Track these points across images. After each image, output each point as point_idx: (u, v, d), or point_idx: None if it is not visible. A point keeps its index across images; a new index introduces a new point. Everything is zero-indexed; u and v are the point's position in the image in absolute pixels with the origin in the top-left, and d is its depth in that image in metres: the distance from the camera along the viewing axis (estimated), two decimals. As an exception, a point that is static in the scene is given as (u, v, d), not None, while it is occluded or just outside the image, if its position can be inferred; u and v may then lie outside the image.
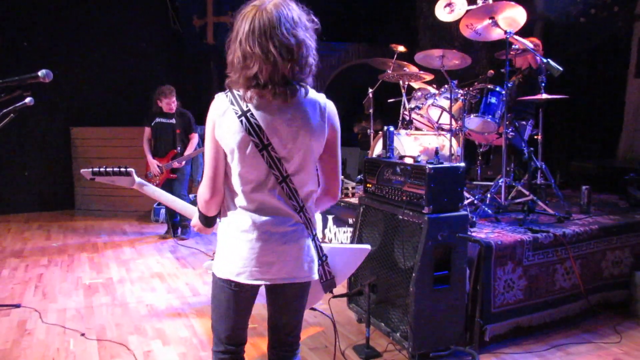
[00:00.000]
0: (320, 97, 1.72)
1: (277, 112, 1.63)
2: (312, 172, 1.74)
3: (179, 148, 5.60)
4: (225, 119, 1.64)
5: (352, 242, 3.46)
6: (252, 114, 1.62)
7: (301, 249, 1.73)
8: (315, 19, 1.70)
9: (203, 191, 1.73)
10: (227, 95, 1.67)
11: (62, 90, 7.20)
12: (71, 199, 7.45)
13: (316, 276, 1.77)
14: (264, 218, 1.69)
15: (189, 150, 5.64)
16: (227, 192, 1.74)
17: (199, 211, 1.81)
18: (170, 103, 5.55)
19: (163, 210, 6.51)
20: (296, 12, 1.63)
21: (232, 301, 1.77)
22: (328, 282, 1.84)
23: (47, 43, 7.28)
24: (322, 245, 1.84)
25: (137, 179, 2.15)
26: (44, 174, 7.54)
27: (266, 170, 1.65)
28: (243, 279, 1.70)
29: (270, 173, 1.66)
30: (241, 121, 1.62)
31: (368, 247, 2.09)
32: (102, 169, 2.15)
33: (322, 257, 1.81)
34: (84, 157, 7.17)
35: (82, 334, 3.30)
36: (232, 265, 1.71)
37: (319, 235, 4.76)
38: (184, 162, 5.60)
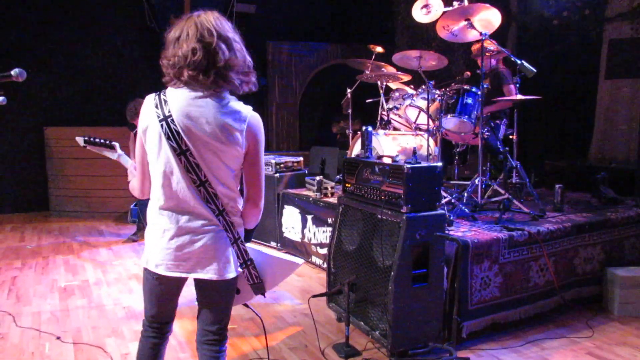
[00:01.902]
0: (244, 109, 1.81)
1: (195, 120, 1.74)
2: (230, 180, 1.83)
3: None
4: (149, 122, 1.78)
5: (331, 241, 3.48)
6: (172, 119, 1.73)
7: (216, 249, 1.83)
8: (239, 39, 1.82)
9: (133, 186, 1.99)
10: (154, 98, 1.79)
11: (36, 89, 7.07)
12: (45, 200, 7.30)
13: (231, 276, 1.86)
14: (182, 217, 1.81)
15: None
16: (152, 189, 1.88)
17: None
18: (136, 123, 5.45)
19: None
20: (224, 26, 1.77)
21: (155, 290, 1.94)
22: (256, 285, 1.95)
23: (20, 41, 7.12)
24: (253, 248, 1.97)
25: (119, 151, 2.27)
26: (17, 175, 7.38)
27: (184, 174, 1.77)
28: (161, 271, 1.85)
29: (188, 177, 1.77)
30: (162, 126, 1.74)
31: (299, 261, 2.11)
32: (92, 139, 2.30)
33: (247, 261, 1.90)
34: (58, 158, 7.04)
35: (58, 338, 3.25)
36: (153, 257, 1.86)
37: (296, 235, 4.74)
38: None
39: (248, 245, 1.95)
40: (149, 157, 1.83)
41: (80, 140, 2.34)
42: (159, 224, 1.85)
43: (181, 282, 1.95)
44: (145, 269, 1.93)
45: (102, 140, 2.29)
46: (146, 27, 7.82)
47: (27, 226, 6.55)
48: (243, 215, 1.93)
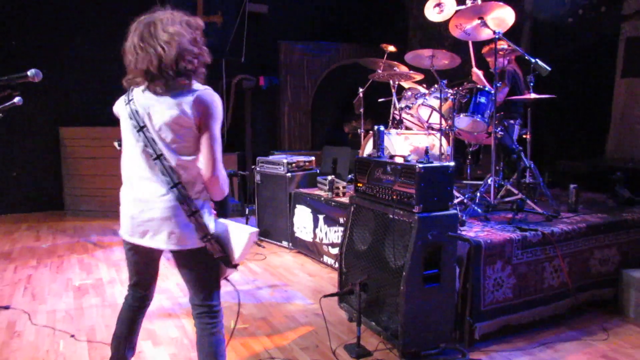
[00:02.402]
0: (197, 87, 1.99)
1: (151, 100, 1.96)
2: (185, 153, 1.96)
3: None
4: (120, 107, 2.09)
5: (342, 241, 3.47)
6: (133, 101, 2.00)
7: (168, 219, 1.97)
8: (196, 26, 2.13)
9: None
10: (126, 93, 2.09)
11: (51, 90, 7.15)
12: (60, 199, 7.39)
13: (187, 247, 2.00)
14: (139, 189, 2.01)
15: None
16: (122, 162, 2.10)
17: None
18: None
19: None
20: (172, 18, 2.04)
21: (129, 257, 2.18)
22: (222, 259, 2.07)
23: (36, 42, 7.22)
24: (217, 221, 2.10)
25: None
26: (33, 174, 7.48)
27: (142, 148, 1.97)
28: (126, 237, 2.08)
29: (146, 150, 1.96)
30: (127, 107, 2.02)
31: (252, 230, 2.11)
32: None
33: (207, 235, 2.01)
34: (73, 157, 7.12)
35: (72, 336, 3.29)
36: (123, 226, 2.09)
37: (308, 235, 4.72)
38: None
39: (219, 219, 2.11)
40: (121, 133, 2.08)
41: (116, 144, 2.56)
42: (124, 194, 2.08)
43: (150, 250, 2.10)
44: (122, 239, 2.14)
45: None
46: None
47: (42, 225, 6.63)
48: (206, 187, 2.03)
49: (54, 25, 7.32)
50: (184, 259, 2.08)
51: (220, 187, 2.03)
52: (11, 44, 7.14)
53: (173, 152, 1.96)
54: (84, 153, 7.06)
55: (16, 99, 3.06)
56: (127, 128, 2.03)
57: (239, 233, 2.09)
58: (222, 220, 2.14)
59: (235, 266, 2.12)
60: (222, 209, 2.19)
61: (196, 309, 2.14)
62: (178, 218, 1.98)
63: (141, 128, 1.96)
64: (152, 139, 1.95)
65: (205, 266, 2.09)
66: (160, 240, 2.00)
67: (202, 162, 1.98)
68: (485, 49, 4.66)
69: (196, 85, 2.01)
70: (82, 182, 7.14)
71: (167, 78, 1.93)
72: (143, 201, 2.00)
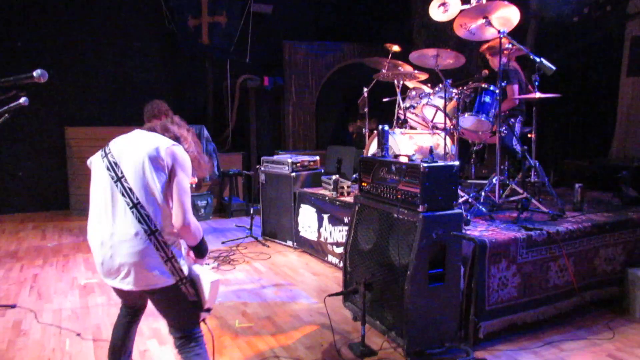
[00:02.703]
0: (165, 142, 2.10)
1: (125, 154, 2.08)
2: (159, 204, 2.03)
3: None
4: (95, 160, 2.20)
5: (347, 240, 3.48)
6: (111, 154, 2.11)
7: (144, 264, 2.02)
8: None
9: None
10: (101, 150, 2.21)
11: (57, 90, 7.19)
12: (66, 198, 7.43)
13: (160, 285, 2.05)
14: (117, 236, 2.03)
15: None
16: (90, 210, 2.17)
17: None
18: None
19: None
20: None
21: (114, 290, 2.23)
22: (195, 303, 2.15)
23: (41, 43, 7.26)
24: (192, 267, 2.17)
25: None
26: (38, 174, 7.53)
27: (119, 197, 2.04)
28: (105, 280, 2.14)
29: (123, 200, 2.03)
30: (103, 160, 2.13)
31: (213, 278, 2.20)
32: None
33: (183, 279, 2.09)
34: (79, 157, 7.16)
35: (78, 334, 3.31)
36: (97, 267, 2.15)
37: (313, 234, 4.73)
38: None
39: (194, 265, 2.20)
40: (91, 186, 2.18)
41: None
42: (97, 241, 2.10)
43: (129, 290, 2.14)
44: None
45: None
46: (165, 29, 7.91)
47: (48, 225, 6.67)
48: (183, 235, 2.11)
49: (60, 26, 7.36)
50: (161, 298, 2.14)
51: (192, 234, 2.11)
52: (17, 45, 7.19)
53: (145, 202, 2.03)
54: (89, 153, 6.97)
55: (22, 99, 3.08)
56: (100, 175, 2.13)
57: (205, 279, 2.17)
58: (194, 266, 2.21)
59: (208, 310, 2.19)
60: (199, 252, 2.27)
61: (177, 340, 2.19)
62: (154, 262, 2.04)
63: (119, 179, 2.06)
64: (129, 188, 2.03)
65: (181, 301, 2.14)
66: (132, 282, 2.05)
67: (173, 211, 2.07)
68: (484, 47, 4.65)
69: (159, 139, 2.17)
70: (87, 181, 7.05)
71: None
72: (125, 249, 2.03)
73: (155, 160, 2.04)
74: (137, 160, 2.05)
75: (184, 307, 2.15)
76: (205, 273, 2.20)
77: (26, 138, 7.38)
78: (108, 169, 2.08)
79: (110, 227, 2.05)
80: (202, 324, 2.25)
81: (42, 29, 7.28)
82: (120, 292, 2.25)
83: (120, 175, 2.05)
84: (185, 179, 2.10)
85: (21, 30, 7.20)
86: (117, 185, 2.04)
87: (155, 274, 2.04)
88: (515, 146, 4.21)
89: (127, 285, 2.06)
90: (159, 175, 2.04)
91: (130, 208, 2.01)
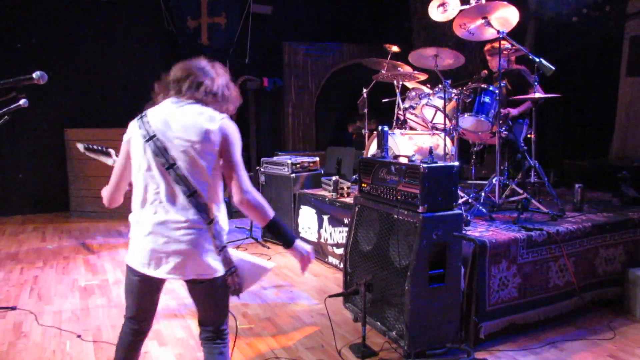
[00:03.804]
0: (212, 121, 1.95)
1: (173, 139, 1.93)
2: (213, 189, 1.97)
3: None
4: (136, 141, 1.98)
5: (347, 241, 3.48)
6: (157, 139, 1.93)
7: (199, 253, 1.95)
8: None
9: (105, 195, 2.16)
10: (137, 121, 2.02)
11: (57, 91, 7.18)
12: (66, 200, 7.42)
13: (215, 275, 1.98)
14: (172, 224, 1.94)
15: None
16: (136, 195, 2.02)
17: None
18: None
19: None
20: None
21: (136, 287, 2.08)
22: (234, 290, 2.06)
23: (41, 44, 7.26)
24: (234, 254, 2.06)
25: (114, 158, 2.36)
26: (38, 176, 7.52)
27: (175, 185, 1.93)
28: (140, 268, 2.00)
29: (179, 188, 1.92)
30: (149, 144, 1.94)
31: (270, 265, 2.20)
32: (91, 146, 2.46)
33: (232, 269, 2.01)
34: (79, 159, 7.15)
35: (79, 336, 3.30)
36: (138, 257, 2.01)
37: (313, 235, 4.72)
38: None
39: (231, 250, 2.06)
40: (135, 168, 2.00)
41: (80, 146, 2.46)
42: (144, 227, 1.98)
43: (161, 281, 2.10)
44: (129, 267, 2.07)
45: (99, 148, 2.42)
46: (164, 30, 7.91)
47: (48, 226, 6.66)
48: (247, 213, 2.01)
49: (59, 28, 7.36)
50: (207, 289, 2.05)
51: (257, 208, 2.00)
52: (16, 46, 7.18)
53: (199, 185, 1.94)
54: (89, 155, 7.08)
55: (22, 101, 3.09)
56: (148, 162, 1.98)
57: (256, 267, 2.12)
58: (235, 252, 2.11)
59: (239, 294, 2.14)
60: (280, 236, 2.08)
61: (207, 333, 2.13)
62: (207, 252, 1.97)
63: (171, 165, 1.94)
64: (183, 176, 1.93)
65: (223, 294, 2.09)
66: (183, 271, 1.97)
67: (230, 186, 2.00)
68: (487, 47, 4.65)
69: (215, 112, 2.02)
70: (87, 183, 7.16)
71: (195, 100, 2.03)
72: (176, 236, 1.94)
73: (206, 144, 1.92)
74: (186, 146, 1.92)
75: (224, 299, 2.11)
76: (252, 260, 2.14)
77: (26, 140, 7.37)
78: (157, 155, 1.92)
79: (164, 215, 1.94)
80: (259, 306, 2.21)
81: (42, 30, 7.27)
82: (146, 290, 2.11)
83: (171, 162, 1.91)
84: (238, 152, 2.00)
85: (21, 31, 7.20)
86: (169, 173, 1.91)
87: (208, 264, 1.97)
88: (520, 143, 4.22)
89: (176, 274, 1.97)
90: (211, 160, 1.94)
91: (188, 196, 1.91)
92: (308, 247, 2.12)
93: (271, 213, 2.01)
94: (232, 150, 1.97)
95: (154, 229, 1.96)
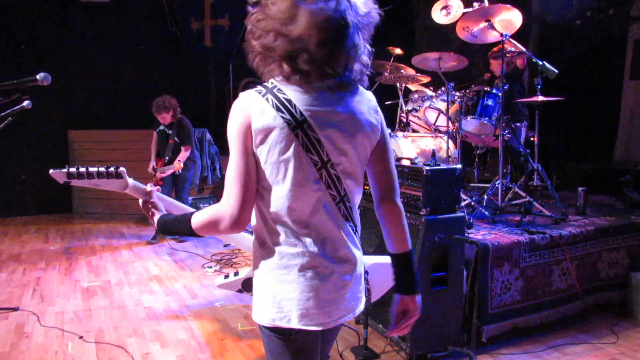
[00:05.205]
0: (369, 93, 1.48)
1: (332, 117, 1.35)
2: (362, 183, 1.48)
3: (166, 158, 5.58)
4: (280, 130, 1.31)
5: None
6: (308, 124, 1.32)
7: (359, 281, 1.47)
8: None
9: (218, 216, 1.36)
10: (267, 98, 1.32)
11: (60, 93, 7.20)
12: (69, 202, 7.44)
13: (363, 306, 1.51)
14: (327, 248, 1.38)
15: (178, 162, 5.51)
16: (268, 217, 1.38)
17: (192, 227, 1.43)
18: (160, 118, 5.53)
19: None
20: None
21: (300, 355, 1.41)
22: (365, 300, 1.57)
23: (45, 46, 7.28)
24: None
25: (131, 182, 1.75)
26: (41, 177, 7.53)
27: (325, 191, 1.37)
28: (312, 325, 1.36)
29: (328, 193, 1.37)
30: (296, 134, 1.31)
31: None
32: (82, 170, 1.74)
33: (365, 274, 1.58)
34: (82, 160, 7.17)
35: (81, 337, 3.30)
36: (297, 308, 1.36)
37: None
38: (167, 173, 5.50)
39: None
40: (269, 174, 1.34)
41: (57, 175, 1.86)
42: (294, 260, 1.37)
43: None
44: (279, 329, 1.38)
45: (96, 170, 1.71)
46: (167, 32, 7.93)
47: (51, 228, 6.67)
48: (390, 225, 1.53)
49: (63, 29, 7.38)
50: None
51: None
52: (20, 48, 7.21)
53: (353, 190, 1.44)
54: (92, 156, 7.10)
55: (25, 103, 3.09)
56: (298, 161, 1.34)
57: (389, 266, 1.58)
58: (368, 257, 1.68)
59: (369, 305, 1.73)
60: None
61: None
62: (362, 270, 1.50)
63: (324, 164, 1.35)
64: (336, 176, 1.38)
65: None
66: (359, 307, 1.48)
67: (388, 185, 1.55)
68: (496, 50, 4.66)
69: (360, 88, 1.48)
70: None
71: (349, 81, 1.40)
72: (339, 265, 1.40)
73: (366, 123, 1.41)
74: (347, 129, 1.37)
75: None
76: (377, 258, 1.77)
77: (29, 141, 7.39)
78: (308, 150, 1.32)
79: (318, 236, 1.39)
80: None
81: (46, 32, 7.30)
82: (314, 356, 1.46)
83: (325, 159, 1.34)
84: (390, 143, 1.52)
85: (25, 33, 7.23)
86: (321, 174, 1.35)
87: (364, 289, 1.51)
88: (520, 148, 4.21)
89: (349, 315, 1.44)
90: (369, 144, 1.44)
91: (337, 203, 1.39)
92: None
93: None
94: (388, 141, 1.54)
95: (306, 262, 1.41)
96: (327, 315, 1.38)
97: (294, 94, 1.32)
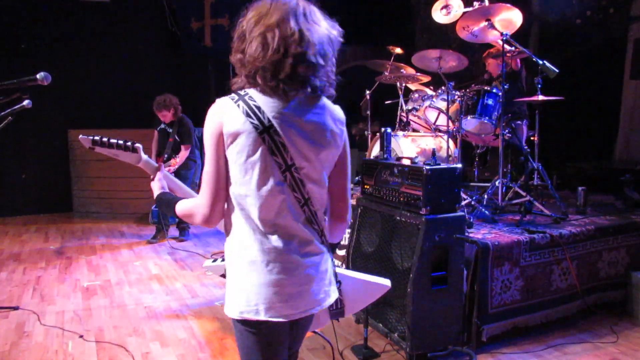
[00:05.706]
0: (335, 107, 1.57)
1: (297, 125, 1.44)
2: (325, 195, 1.56)
3: (165, 156, 5.58)
4: (247, 134, 1.40)
5: (350, 243, 3.47)
6: (275, 129, 1.40)
7: (327, 276, 1.55)
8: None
9: (194, 209, 1.52)
10: (238, 105, 1.42)
11: (60, 92, 7.19)
12: (69, 201, 7.44)
13: (332, 301, 1.58)
14: (290, 245, 1.47)
15: (178, 161, 5.50)
16: (238, 216, 1.48)
17: (179, 213, 1.62)
18: (161, 116, 5.53)
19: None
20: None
21: (267, 345, 1.51)
22: (337, 311, 1.70)
23: (45, 45, 7.28)
24: (340, 271, 1.71)
25: (144, 157, 1.89)
26: (41, 177, 7.54)
27: (289, 193, 1.45)
28: (275, 316, 1.45)
29: (293, 195, 1.45)
30: (262, 137, 1.39)
31: (388, 283, 1.84)
32: (104, 139, 1.90)
33: (337, 283, 1.64)
34: (82, 159, 7.17)
35: (81, 336, 3.31)
36: (261, 301, 1.45)
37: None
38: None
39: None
40: (238, 175, 1.44)
41: (85, 140, 1.96)
42: (261, 256, 1.45)
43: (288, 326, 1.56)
44: (248, 322, 1.48)
45: (117, 142, 1.89)
46: (167, 32, 7.93)
47: (51, 227, 6.68)
48: (329, 230, 1.63)
49: (63, 28, 7.38)
50: (311, 319, 1.66)
51: (344, 232, 1.71)
52: (21, 47, 7.21)
53: (316, 194, 1.52)
54: (92, 155, 7.08)
55: (25, 102, 3.09)
56: (263, 163, 1.43)
57: (372, 285, 1.77)
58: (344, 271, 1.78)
59: (341, 317, 1.80)
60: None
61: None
62: (330, 272, 1.59)
63: (288, 167, 1.43)
64: (300, 180, 1.46)
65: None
66: (322, 303, 1.55)
67: (336, 204, 1.63)
68: (493, 50, 4.66)
69: (328, 101, 1.58)
70: (90, 184, 7.18)
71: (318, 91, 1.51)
72: (300, 261, 1.48)
73: (331, 134, 1.50)
74: (309, 136, 1.45)
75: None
76: (365, 278, 1.82)
77: (29, 140, 7.40)
78: (273, 153, 1.41)
79: (284, 234, 1.48)
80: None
81: (46, 31, 7.29)
82: (280, 345, 1.56)
83: (290, 163, 1.42)
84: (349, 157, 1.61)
85: (25, 33, 7.23)
86: (284, 177, 1.43)
87: (332, 287, 1.59)
88: (523, 146, 4.21)
89: (307, 309, 1.51)
90: (331, 155, 1.52)
91: (302, 206, 1.47)
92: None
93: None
94: (348, 154, 1.63)
95: (271, 257, 1.52)
96: (292, 308, 1.47)
97: (263, 101, 1.43)
